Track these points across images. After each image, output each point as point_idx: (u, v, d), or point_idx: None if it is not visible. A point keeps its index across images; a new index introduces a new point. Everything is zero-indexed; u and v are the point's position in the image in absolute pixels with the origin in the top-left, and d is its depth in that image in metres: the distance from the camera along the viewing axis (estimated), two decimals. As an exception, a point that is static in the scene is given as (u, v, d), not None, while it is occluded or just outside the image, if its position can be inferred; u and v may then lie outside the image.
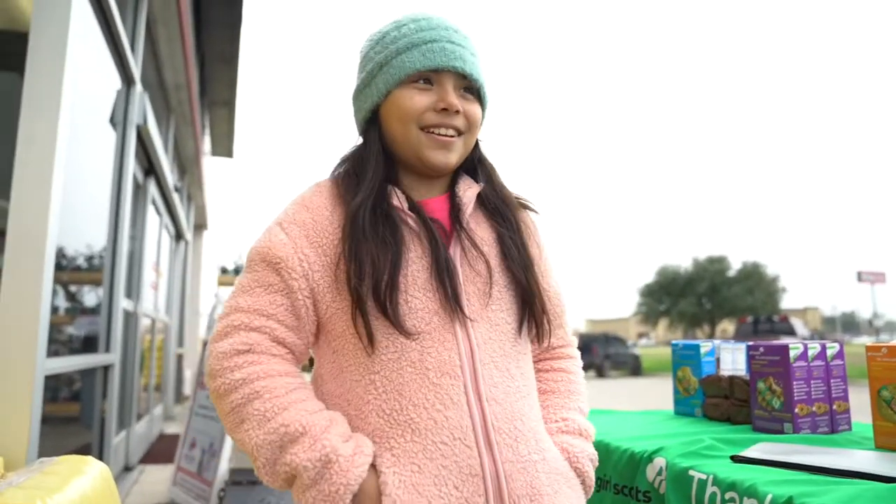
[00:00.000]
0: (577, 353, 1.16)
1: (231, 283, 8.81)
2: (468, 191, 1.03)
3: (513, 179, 1.22)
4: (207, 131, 9.61)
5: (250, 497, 2.62)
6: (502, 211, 1.04)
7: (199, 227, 11.57)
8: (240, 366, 0.88)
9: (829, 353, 1.58)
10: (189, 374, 10.27)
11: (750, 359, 1.62)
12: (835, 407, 1.55)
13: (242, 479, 2.92)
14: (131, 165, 3.92)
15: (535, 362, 1.08)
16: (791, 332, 19.56)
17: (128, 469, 4.57)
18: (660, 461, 1.34)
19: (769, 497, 1.03)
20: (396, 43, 0.99)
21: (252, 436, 0.85)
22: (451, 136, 0.99)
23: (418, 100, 0.97)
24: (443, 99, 0.97)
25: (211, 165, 10.83)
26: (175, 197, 6.84)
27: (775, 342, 1.59)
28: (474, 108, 1.01)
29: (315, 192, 1.01)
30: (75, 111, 2.63)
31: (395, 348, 0.90)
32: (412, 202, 0.98)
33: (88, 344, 3.44)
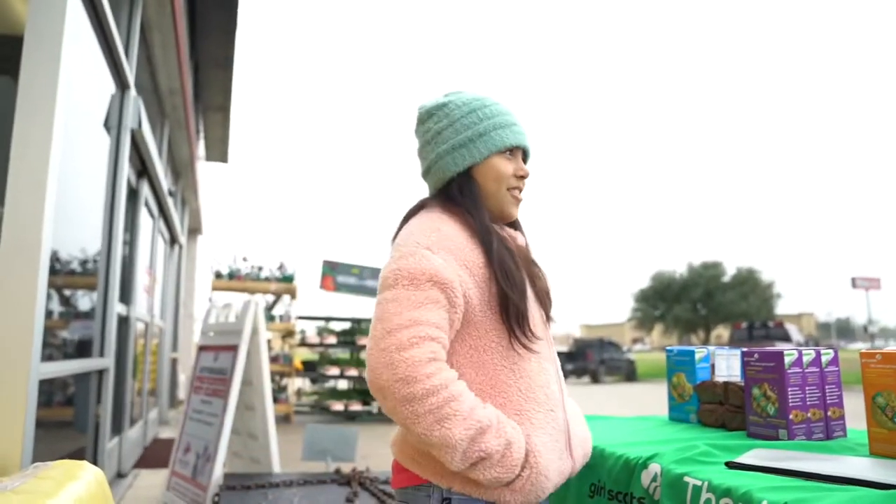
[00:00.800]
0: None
1: (226, 288, 8.74)
2: (514, 231, 1.37)
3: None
4: (202, 136, 9.60)
5: (245, 501, 2.61)
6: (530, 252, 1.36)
7: (194, 231, 11.55)
8: (434, 373, 1.08)
9: (824, 359, 1.58)
10: (183, 379, 10.23)
11: (745, 365, 1.62)
12: (830, 413, 1.56)
13: (237, 483, 2.91)
14: (125, 170, 3.91)
15: None
16: (786, 337, 19.61)
17: (121, 475, 4.54)
18: (655, 467, 1.34)
19: (764, 503, 1.03)
20: (491, 119, 1.30)
21: (455, 431, 1.06)
22: (521, 196, 1.34)
23: (508, 167, 1.30)
24: (521, 169, 1.32)
25: (205, 170, 10.82)
26: (169, 201, 6.83)
27: (770, 348, 1.60)
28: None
29: (440, 221, 1.24)
30: (69, 115, 2.63)
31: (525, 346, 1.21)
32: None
33: (83, 348, 3.43)
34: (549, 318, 1.30)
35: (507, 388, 1.18)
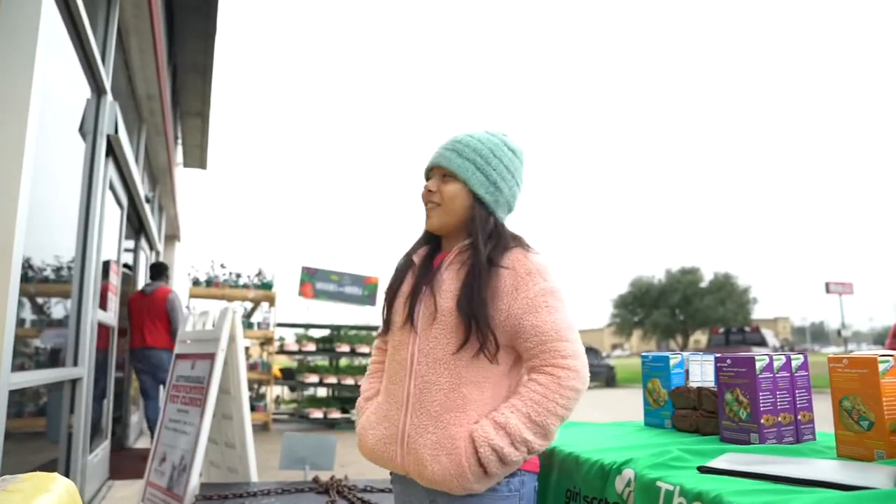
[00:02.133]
0: (565, 373, 1.34)
1: (203, 295, 8.64)
2: (454, 247, 1.49)
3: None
4: (180, 142, 9.51)
5: (221, 513, 2.58)
6: (476, 265, 1.41)
7: (172, 237, 11.42)
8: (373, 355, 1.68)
9: (794, 364, 1.61)
10: (160, 388, 10.07)
11: (718, 371, 1.65)
12: (800, 417, 1.59)
13: (213, 493, 2.87)
14: (102, 175, 3.86)
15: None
16: (762, 342, 19.86)
17: (96, 485, 4.46)
18: (628, 472, 1.35)
19: (734, 507, 1.05)
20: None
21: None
22: (431, 208, 1.52)
23: (426, 184, 1.56)
24: (427, 186, 1.53)
25: (183, 177, 10.72)
26: (146, 208, 6.75)
27: (742, 354, 1.63)
28: (448, 188, 1.49)
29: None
30: (44, 120, 2.59)
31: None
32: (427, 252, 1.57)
33: (55, 357, 3.37)
34: (407, 317, 1.47)
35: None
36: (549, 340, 1.35)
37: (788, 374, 1.59)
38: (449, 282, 1.43)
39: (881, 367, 1.33)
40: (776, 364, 1.58)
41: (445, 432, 1.34)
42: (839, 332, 28.46)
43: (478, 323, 1.35)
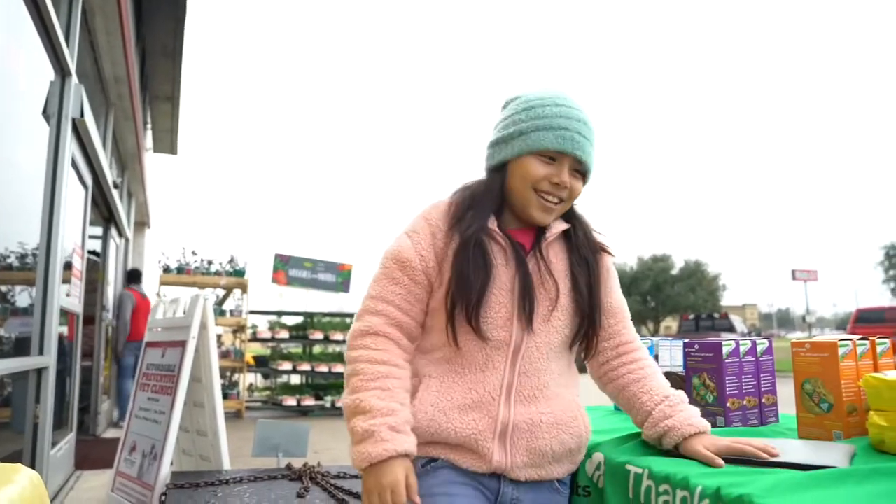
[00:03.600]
0: (643, 345, 1.46)
1: (174, 283, 8.53)
2: (556, 225, 1.35)
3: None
4: (149, 127, 9.32)
5: (193, 500, 2.56)
6: (582, 250, 1.36)
7: (141, 224, 11.21)
8: (356, 346, 1.29)
9: (759, 349, 1.65)
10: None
11: (686, 356, 1.68)
12: (764, 400, 1.63)
13: (185, 482, 2.85)
14: (67, 159, 3.77)
15: (607, 361, 1.43)
16: (731, 328, 20.27)
17: (63, 476, 4.39)
18: (598, 456, 1.38)
19: (699, 489, 1.08)
20: (539, 119, 1.29)
21: (344, 397, 1.26)
22: (555, 204, 1.31)
23: (541, 170, 1.29)
24: (559, 175, 1.29)
25: (153, 162, 10.52)
26: (114, 193, 6.62)
27: (709, 340, 1.66)
28: (578, 186, 1.33)
29: (433, 209, 1.35)
30: (4, 103, 2.52)
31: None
32: (501, 224, 1.33)
33: (21, 346, 3.30)
34: (530, 321, 1.30)
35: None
36: (628, 317, 1.46)
37: (754, 359, 1.63)
38: (559, 265, 1.34)
39: (840, 351, 1.37)
40: (742, 349, 1.62)
41: (562, 412, 1.31)
42: (804, 318, 29.18)
43: (593, 310, 1.33)
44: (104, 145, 5.82)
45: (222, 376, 8.34)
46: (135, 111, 6.47)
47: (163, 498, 2.69)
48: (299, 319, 9.45)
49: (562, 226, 1.35)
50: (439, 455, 1.27)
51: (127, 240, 9.11)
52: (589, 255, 1.36)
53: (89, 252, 5.55)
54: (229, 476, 2.96)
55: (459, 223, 1.30)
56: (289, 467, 3.08)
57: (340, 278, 8.94)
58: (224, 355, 8.59)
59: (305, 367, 8.87)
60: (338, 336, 8.94)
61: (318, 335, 8.96)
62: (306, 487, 2.70)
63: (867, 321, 13.20)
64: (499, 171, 1.35)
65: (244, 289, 8.88)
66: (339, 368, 8.67)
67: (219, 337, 9.21)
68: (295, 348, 9.65)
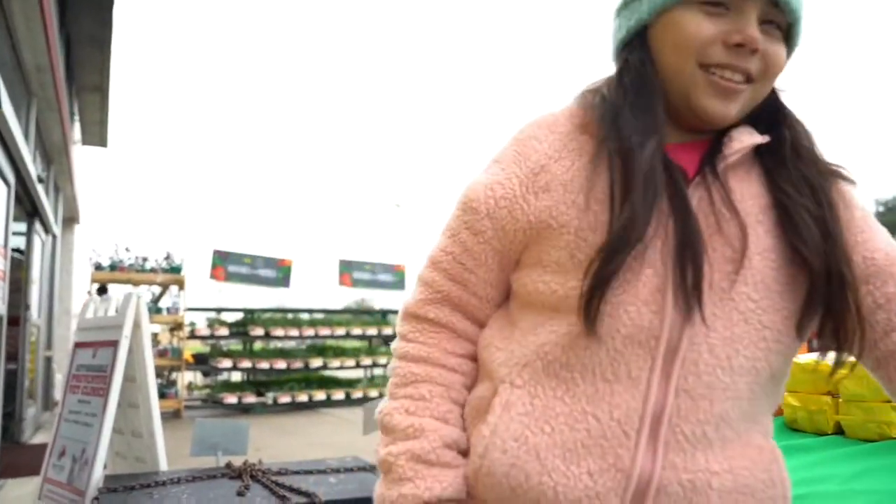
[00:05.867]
0: None
1: (107, 280, 8.28)
2: (742, 137, 0.77)
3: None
4: (77, 118, 8.93)
5: (127, 503, 2.49)
6: (806, 174, 0.77)
7: (70, 220, 10.74)
8: (398, 334, 0.86)
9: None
10: (59, 378, 9.54)
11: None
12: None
13: (118, 485, 2.77)
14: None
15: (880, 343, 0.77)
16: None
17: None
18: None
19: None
20: None
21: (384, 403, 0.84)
22: (739, 83, 0.75)
23: (706, 27, 0.73)
24: (740, 30, 0.72)
25: (82, 155, 10.08)
26: (39, 188, 6.32)
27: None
28: (777, 50, 0.76)
29: (533, 124, 0.84)
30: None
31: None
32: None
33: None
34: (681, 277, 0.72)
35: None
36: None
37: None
38: (747, 203, 0.76)
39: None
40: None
41: (749, 469, 0.75)
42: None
43: (835, 272, 0.73)
44: (27, 137, 5.54)
45: (160, 375, 8.10)
46: (60, 102, 6.18)
47: (95, 502, 2.61)
48: (239, 316, 9.28)
49: (754, 137, 0.78)
50: None
51: (54, 236, 8.72)
52: (817, 180, 0.77)
53: (12, 250, 5.29)
54: (166, 477, 2.89)
55: (610, 131, 0.75)
56: (228, 466, 3.03)
57: (281, 274, 8.82)
58: (161, 354, 8.36)
59: (246, 363, 8.74)
60: (279, 332, 8.83)
61: (259, 331, 8.83)
62: (247, 485, 2.67)
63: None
64: (638, 48, 0.79)
65: (181, 285, 8.66)
66: (280, 364, 8.58)
67: (155, 335, 8.95)
68: (235, 345, 9.47)
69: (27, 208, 6.69)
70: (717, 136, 0.79)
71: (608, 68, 0.85)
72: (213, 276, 8.60)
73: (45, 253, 8.11)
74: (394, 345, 0.87)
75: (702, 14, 0.74)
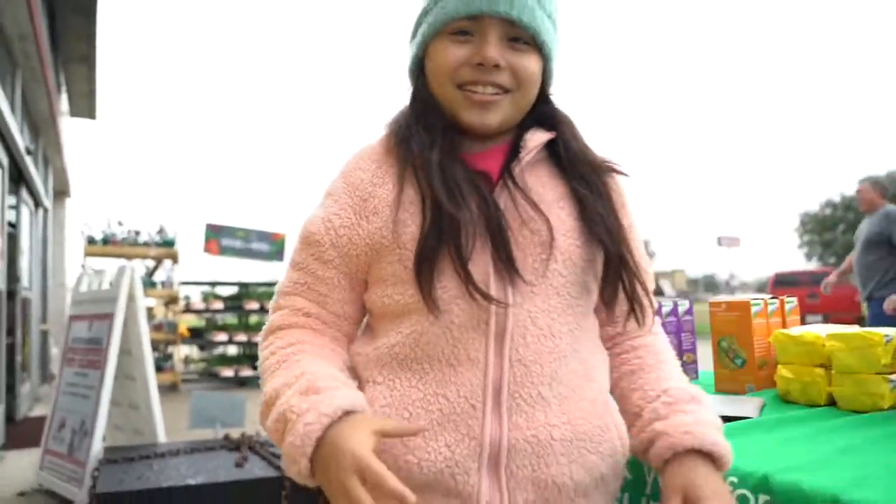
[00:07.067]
0: (660, 329, 1.01)
1: (100, 254, 8.20)
2: (534, 138, 0.89)
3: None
4: (64, 89, 8.79)
5: (127, 474, 2.52)
6: (582, 171, 0.90)
7: (61, 193, 10.65)
8: (261, 353, 0.89)
9: (681, 310, 1.74)
10: (56, 352, 9.55)
11: (613, 317, 1.75)
12: (685, 358, 1.72)
13: (118, 456, 2.80)
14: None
15: (612, 346, 0.97)
16: (660, 292, 21.16)
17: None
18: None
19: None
20: None
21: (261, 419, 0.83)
22: (492, 95, 0.86)
23: (453, 53, 0.86)
24: (479, 52, 0.84)
25: (71, 127, 9.95)
26: (27, 160, 6.24)
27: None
28: (526, 62, 0.86)
29: (354, 157, 0.94)
30: None
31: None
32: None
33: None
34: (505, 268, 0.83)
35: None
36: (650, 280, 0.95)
37: (675, 319, 1.72)
38: (547, 195, 0.88)
39: (753, 309, 1.47)
40: (665, 310, 1.70)
41: (585, 419, 0.86)
42: (727, 283, 30.65)
43: (614, 246, 0.87)
44: (13, 109, 5.46)
45: (156, 349, 8.12)
46: (45, 73, 6.07)
47: (95, 473, 2.64)
48: (234, 290, 9.27)
49: (544, 136, 0.90)
50: None
51: (45, 209, 8.65)
52: (592, 176, 0.90)
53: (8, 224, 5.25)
54: (165, 449, 2.92)
55: (406, 150, 0.88)
56: (227, 438, 3.06)
57: (274, 247, 8.79)
58: (156, 328, 8.36)
59: (242, 337, 8.75)
60: (274, 306, 8.84)
61: (255, 305, 8.84)
62: (245, 457, 2.70)
63: (784, 284, 14.11)
64: (418, 77, 0.94)
65: (175, 259, 8.62)
66: (276, 338, 8.60)
67: (150, 309, 8.92)
68: (230, 319, 9.48)
69: (15, 180, 6.62)
70: (515, 139, 0.91)
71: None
72: (207, 249, 8.56)
73: (35, 226, 8.05)
74: (259, 363, 0.89)
75: (452, 43, 0.86)
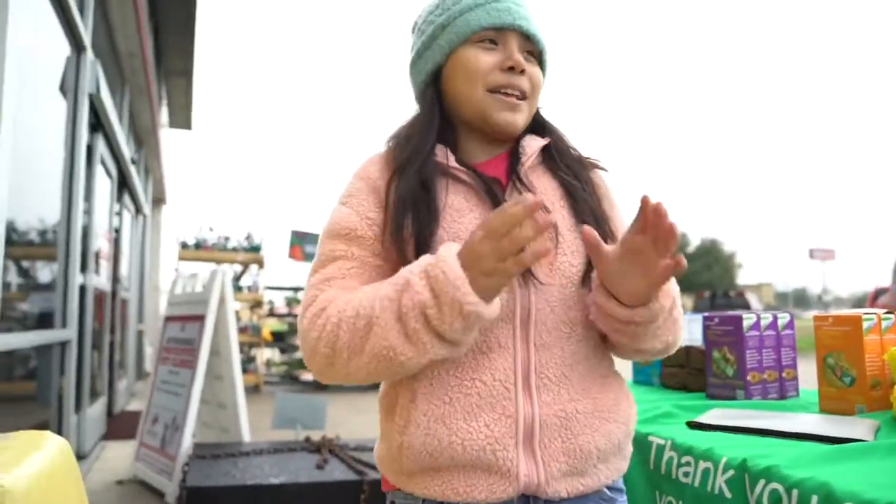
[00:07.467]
0: None
1: (192, 259, 8.61)
2: (531, 144, 1.01)
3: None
4: (164, 102, 9.34)
5: (214, 470, 2.61)
6: (573, 168, 1.02)
7: (158, 200, 11.29)
8: (316, 325, 0.89)
9: (780, 323, 1.63)
10: (150, 351, 10.10)
11: (706, 329, 1.67)
12: (784, 374, 1.62)
13: (206, 452, 2.91)
14: (84, 135, 3.79)
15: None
16: (746, 306, 20.14)
17: (89, 445, 4.50)
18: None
19: (724, 460, 1.07)
20: (459, 4, 0.99)
21: (358, 352, 0.85)
22: (519, 99, 0.98)
23: (485, 59, 0.96)
24: (509, 57, 0.96)
25: (169, 137, 10.56)
26: (132, 170, 6.66)
27: (730, 313, 1.64)
28: (536, 72, 1.00)
29: (367, 163, 1.02)
30: (22, 79, 2.53)
31: None
32: (461, 159, 0.98)
33: (44, 320, 3.35)
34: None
35: None
36: None
37: (774, 333, 1.62)
38: (548, 193, 0.99)
39: (865, 325, 1.36)
40: (763, 323, 1.60)
41: (601, 393, 0.96)
42: (820, 297, 28.93)
43: (598, 227, 0.95)
44: (121, 121, 5.84)
45: (240, 351, 8.44)
46: (149, 86, 6.47)
47: (185, 468, 2.75)
48: (316, 295, 9.54)
49: (539, 141, 1.02)
50: (440, 495, 0.89)
51: (145, 216, 9.19)
52: (581, 172, 1.02)
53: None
54: (250, 448, 3.01)
55: (401, 161, 0.97)
56: (307, 440, 3.12)
57: (355, 254, 8.98)
58: (241, 330, 8.70)
59: (322, 342, 8.97)
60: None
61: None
62: (325, 459, 2.75)
63: (886, 299, 13.14)
64: (432, 84, 1.02)
65: (261, 264, 8.95)
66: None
67: (236, 312, 9.30)
68: (311, 324, 9.73)
69: (119, 188, 7.07)
70: (513, 148, 1.02)
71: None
72: (292, 255, 8.85)
73: (135, 232, 8.57)
74: (311, 342, 0.89)
75: (480, 50, 0.97)
